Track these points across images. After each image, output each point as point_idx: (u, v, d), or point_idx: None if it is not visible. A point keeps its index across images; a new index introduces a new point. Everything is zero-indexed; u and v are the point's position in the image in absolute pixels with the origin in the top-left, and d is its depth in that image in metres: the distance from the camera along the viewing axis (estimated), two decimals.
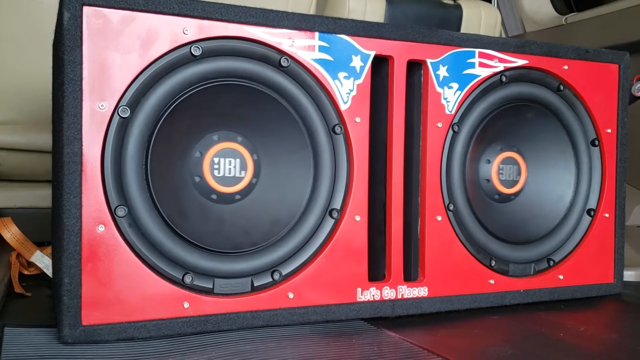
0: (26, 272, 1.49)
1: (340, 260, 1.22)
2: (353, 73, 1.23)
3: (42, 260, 1.44)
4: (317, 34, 1.20)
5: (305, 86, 1.21)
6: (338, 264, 1.22)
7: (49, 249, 1.47)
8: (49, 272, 1.42)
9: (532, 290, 1.41)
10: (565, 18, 2.68)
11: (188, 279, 1.11)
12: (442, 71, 1.31)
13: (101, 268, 1.05)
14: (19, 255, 1.47)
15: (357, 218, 1.24)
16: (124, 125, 1.07)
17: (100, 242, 1.05)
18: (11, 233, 1.45)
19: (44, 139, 1.73)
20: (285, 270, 1.19)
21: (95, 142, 1.04)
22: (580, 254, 1.47)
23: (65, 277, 1.02)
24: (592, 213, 1.49)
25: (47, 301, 1.31)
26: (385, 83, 1.29)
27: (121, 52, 1.06)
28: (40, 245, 1.53)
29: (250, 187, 1.20)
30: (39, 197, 1.81)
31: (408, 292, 1.28)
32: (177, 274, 1.11)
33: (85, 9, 1.03)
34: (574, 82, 1.46)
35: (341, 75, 1.22)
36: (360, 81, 1.24)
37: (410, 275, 1.32)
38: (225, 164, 1.18)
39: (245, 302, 1.15)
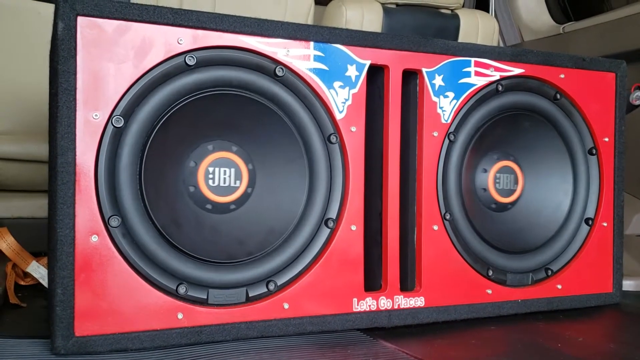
0: (22, 283, 1.48)
1: (336, 270, 1.22)
2: (348, 82, 1.23)
3: (38, 271, 1.43)
4: (312, 43, 1.20)
5: (300, 95, 1.21)
6: (334, 274, 1.22)
7: (45, 259, 1.47)
8: (45, 282, 1.42)
9: (530, 300, 1.40)
10: (563, 27, 2.68)
11: (182, 290, 1.11)
12: (438, 80, 1.31)
13: (95, 278, 1.04)
14: (14, 265, 1.47)
15: (353, 227, 1.23)
16: (118, 135, 1.07)
17: (94, 253, 1.04)
18: (7, 243, 1.44)
19: (41, 149, 1.74)
20: (280, 281, 1.19)
21: (89, 152, 1.04)
22: (578, 264, 1.46)
23: (58, 288, 1.02)
24: (590, 222, 1.48)
25: (42, 312, 1.30)
26: (380, 92, 1.29)
27: (115, 62, 1.06)
28: (37, 255, 1.52)
29: (245, 197, 1.19)
30: (36, 207, 1.81)
31: (404, 302, 1.27)
32: (171, 285, 1.10)
33: (80, 19, 1.03)
34: (571, 90, 1.46)
35: (336, 84, 1.22)
36: (355, 90, 1.24)
37: (406, 285, 1.31)
38: (220, 173, 1.18)
39: (239, 313, 1.14)
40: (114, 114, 1.06)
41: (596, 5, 2.81)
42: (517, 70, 1.39)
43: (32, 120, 2.01)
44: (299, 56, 1.19)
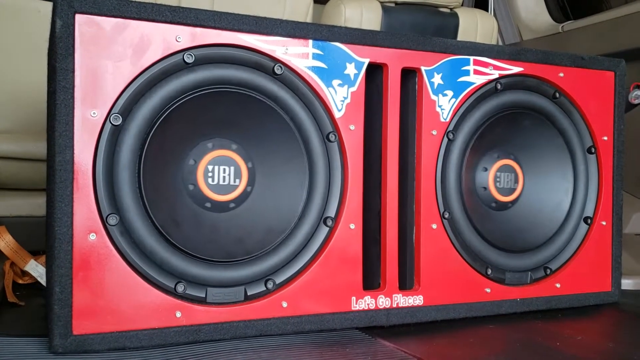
0: (20, 281, 1.48)
1: (334, 269, 1.22)
2: (347, 81, 1.23)
3: (37, 269, 1.43)
4: (310, 41, 1.20)
5: (299, 94, 1.20)
6: (332, 273, 1.21)
7: (43, 258, 1.46)
8: (43, 281, 1.41)
9: (529, 299, 1.40)
10: (562, 26, 2.68)
11: (180, 288, 1.10)
12: (437, 79, 1.31)
13: (93, 277, 1.04)
14: (13, 264, 1.47)
15: (352, 226, 1.23)
16: (116, 133, 1.07)
17: (92, 251, 1.04)
18: (5, 242, 1.44)
19: (40, 148, 1.73)
20: (279, 279, 1.18)
21: (87, 150, 1.04)
22: (577, 262, 1.46)
23: (56, 286, 1.02)
24: (589, 221, 1.48)
25: (40, 310, 1.30)
26: (379, 91, 1.29)
27: (113, 59, 1.05)
28: (35, 254, 1.52)
29: (244, 195, 1.19)
30: (35, 205, 1.81)
31: (403, 300, 1.27)
32: (169, 283, 1.10)
33: (78, 16, 1.03)
34: (570, 89, 1.46)
35: (335, 82, 1.22)
36: (354, 89, 1.24)
37: (405, 284, 1.31)
38: (219, 171, 1.17)
39: (238, 312, 1.14)
40: (112, 112, 1.06)
41: (595, 4, 2.81)
42: (516, 69, 1.39)
43: (30, 119, 2.01)
44: (297, 54, 1.19)
